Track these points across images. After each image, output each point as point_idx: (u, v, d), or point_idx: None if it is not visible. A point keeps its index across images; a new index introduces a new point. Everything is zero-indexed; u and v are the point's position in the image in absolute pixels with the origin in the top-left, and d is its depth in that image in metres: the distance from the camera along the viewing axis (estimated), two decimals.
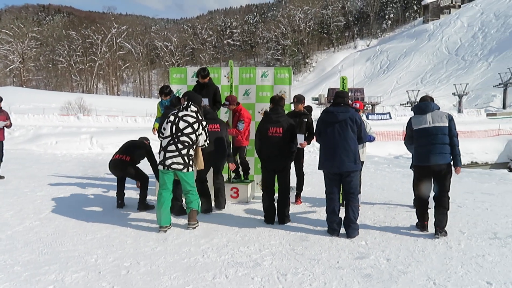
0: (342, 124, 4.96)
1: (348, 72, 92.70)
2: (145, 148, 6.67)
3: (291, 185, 7.33)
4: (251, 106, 7.50)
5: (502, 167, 19.62)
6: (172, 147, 5.06)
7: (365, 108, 59.79)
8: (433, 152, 4.93)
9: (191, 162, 5.18)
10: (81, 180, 8.78)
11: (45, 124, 25.53)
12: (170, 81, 7.82)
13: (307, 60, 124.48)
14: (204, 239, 4.87)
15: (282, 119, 5.51)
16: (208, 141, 5.41)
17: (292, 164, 6.95)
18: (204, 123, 5.26)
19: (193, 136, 5.13)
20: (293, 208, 6.46)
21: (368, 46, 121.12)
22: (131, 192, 7.14)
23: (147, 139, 6.99)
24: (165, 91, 6.94)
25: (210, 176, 6.28)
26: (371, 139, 6.25)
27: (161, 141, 5.23)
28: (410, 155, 6.54)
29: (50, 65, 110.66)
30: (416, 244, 4.78)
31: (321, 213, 6.13)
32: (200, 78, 6.74)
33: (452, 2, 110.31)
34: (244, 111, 6.89)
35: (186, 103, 5.25)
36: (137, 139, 6.90)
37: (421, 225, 5.30)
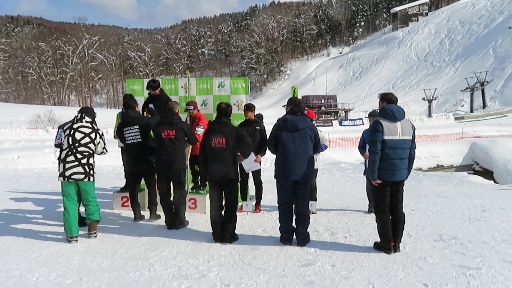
0: (302, 133, 4.97)
1: (321, 79, 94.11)
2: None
3: (250, 194, 7.42)
4: (209, 116, 7.51)
5: (467, 169, 20.21)
6: (71, 158, 5.21)
7: (338, 114, 60.75)
8: (399, 168, 4.60)
9: (91, 172, 5.35)
10: (38, 195, 8.56)
11: (8, 139, 24.76)
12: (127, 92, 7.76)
13: (282, 68, 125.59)
14: (154, 252, 4.83)
15: (225, 129, 5.21)
16: (106, 149, 5.59)
17: (250, 174, 7.01)
18: (100, 132, 5.50)
19: (91, 146, 5.36)
20: (250, 217, 6.51)
21: (340, 53, 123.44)
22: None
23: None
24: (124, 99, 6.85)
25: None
26: (323, 148, 6.30)
27: (60, 153, 5.35)
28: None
29: (20, 78, 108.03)
30: (363, 249, 4.87)
31: (277, 222, 6.13)
32: (151, 90, 6.71)
33: (419, 10, 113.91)
34: (203, 118, 6.92)
35: (79, 115, 5.44)
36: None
37: (388, 247, 4.69)
